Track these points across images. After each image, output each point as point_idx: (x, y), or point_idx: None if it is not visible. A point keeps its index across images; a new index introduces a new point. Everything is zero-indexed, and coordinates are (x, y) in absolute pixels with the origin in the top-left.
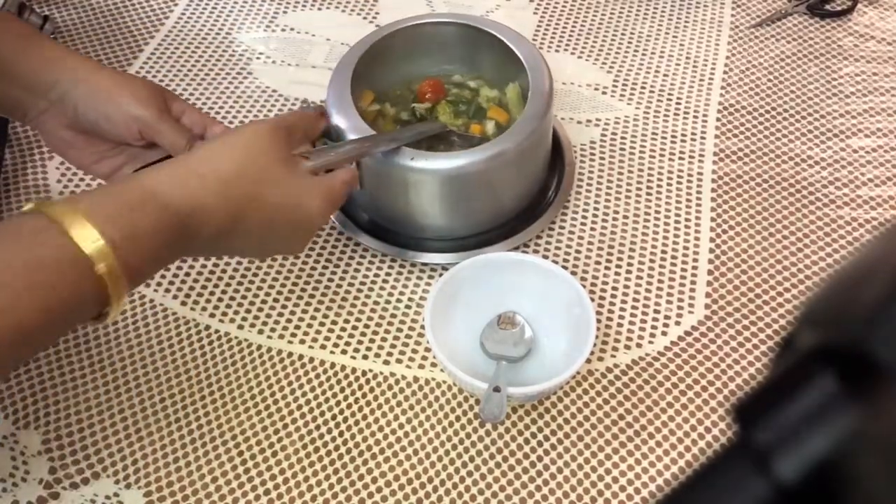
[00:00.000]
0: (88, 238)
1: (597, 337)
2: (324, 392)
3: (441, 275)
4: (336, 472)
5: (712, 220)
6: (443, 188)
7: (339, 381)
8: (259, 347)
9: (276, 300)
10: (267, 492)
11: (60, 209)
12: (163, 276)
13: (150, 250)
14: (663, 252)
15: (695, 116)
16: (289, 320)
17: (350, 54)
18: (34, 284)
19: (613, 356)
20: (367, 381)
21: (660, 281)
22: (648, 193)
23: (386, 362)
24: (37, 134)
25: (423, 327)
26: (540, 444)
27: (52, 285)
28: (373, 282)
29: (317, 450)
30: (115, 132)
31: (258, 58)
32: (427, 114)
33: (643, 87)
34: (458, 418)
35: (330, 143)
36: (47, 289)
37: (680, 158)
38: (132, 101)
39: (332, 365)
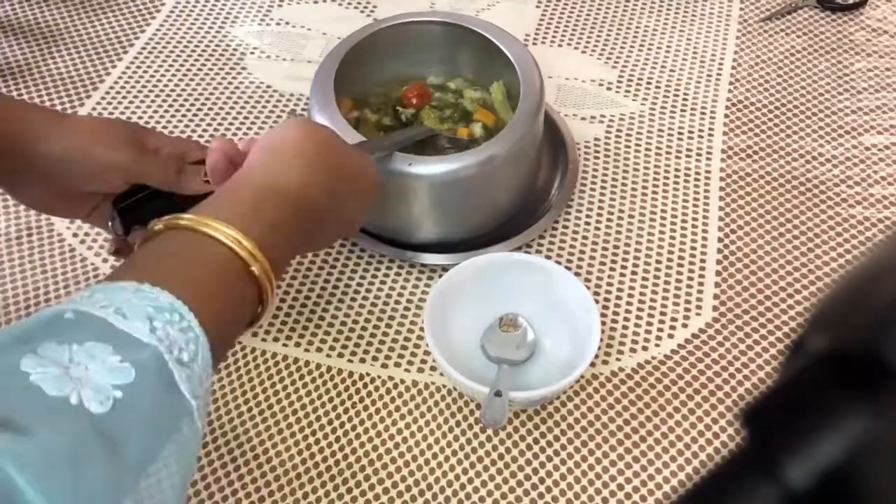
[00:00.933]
0: (238, 242)
1: (601, 340)
2: (321, 396)
3: (441, 276)
4: (333, 478)
5: (720, 219)
6: (441, 193)
7: (336, 386)
8: (253, 350)
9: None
10: (262, 499)
11: (201, 221)
12: None
13: (286, 242)
14: (670, 252)
15: (702, 113)
16: (283, 322)
17: (330, 58)
18: (218, 286)
19: (618, 359)
20: (365, 386)
21: (666, 282)
22: (654, 192)
23: (384, 366)
24: None
25: (422, 330)
26: (542, 449)
27: (229, 286)
28: (371, 283)
29: (313, 455)
30: (95, 188)
31: (252, 52)
32: (412, 118)
33: (649, 83)
34: (458, 423)
35: None
36: (227, 290)
37: (687, 156)
38: (107, 150)
39: (329, 369)
